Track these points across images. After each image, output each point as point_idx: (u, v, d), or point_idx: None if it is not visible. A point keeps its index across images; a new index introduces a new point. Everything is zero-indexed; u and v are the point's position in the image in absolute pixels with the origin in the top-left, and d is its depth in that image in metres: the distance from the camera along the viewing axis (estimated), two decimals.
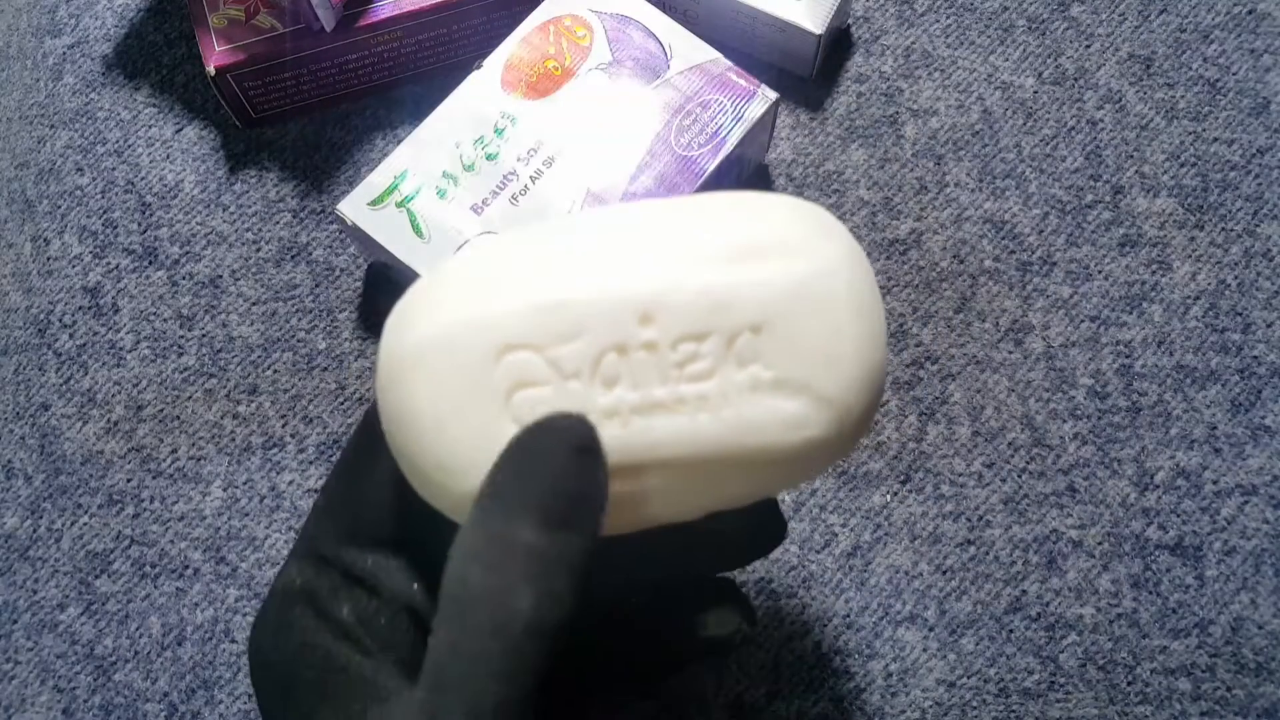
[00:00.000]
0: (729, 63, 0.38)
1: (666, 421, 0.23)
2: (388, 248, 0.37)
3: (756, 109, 0.38)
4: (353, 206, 0.37)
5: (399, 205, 0.37)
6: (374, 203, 0.37)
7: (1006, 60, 0.43)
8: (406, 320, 0.23)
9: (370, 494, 0.26)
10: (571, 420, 0.22)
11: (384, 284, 0.41)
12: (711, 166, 0.37)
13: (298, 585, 0.25)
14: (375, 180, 0.37)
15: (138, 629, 0.38)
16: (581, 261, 0.23)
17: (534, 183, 0.37)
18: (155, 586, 0.39)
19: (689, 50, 0.39)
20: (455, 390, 0.23)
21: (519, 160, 0.37)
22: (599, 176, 0.37)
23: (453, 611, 0.20)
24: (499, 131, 0.38)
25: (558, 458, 0.21)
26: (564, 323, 0.23)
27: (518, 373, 0.23)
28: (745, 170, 0.41)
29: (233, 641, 0.38)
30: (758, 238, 0.23)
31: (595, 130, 0.38)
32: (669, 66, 0.38)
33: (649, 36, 0.39)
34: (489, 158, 0.37)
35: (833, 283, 0.23)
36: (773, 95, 0.38)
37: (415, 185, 0.37)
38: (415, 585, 0.25)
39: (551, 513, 0.21)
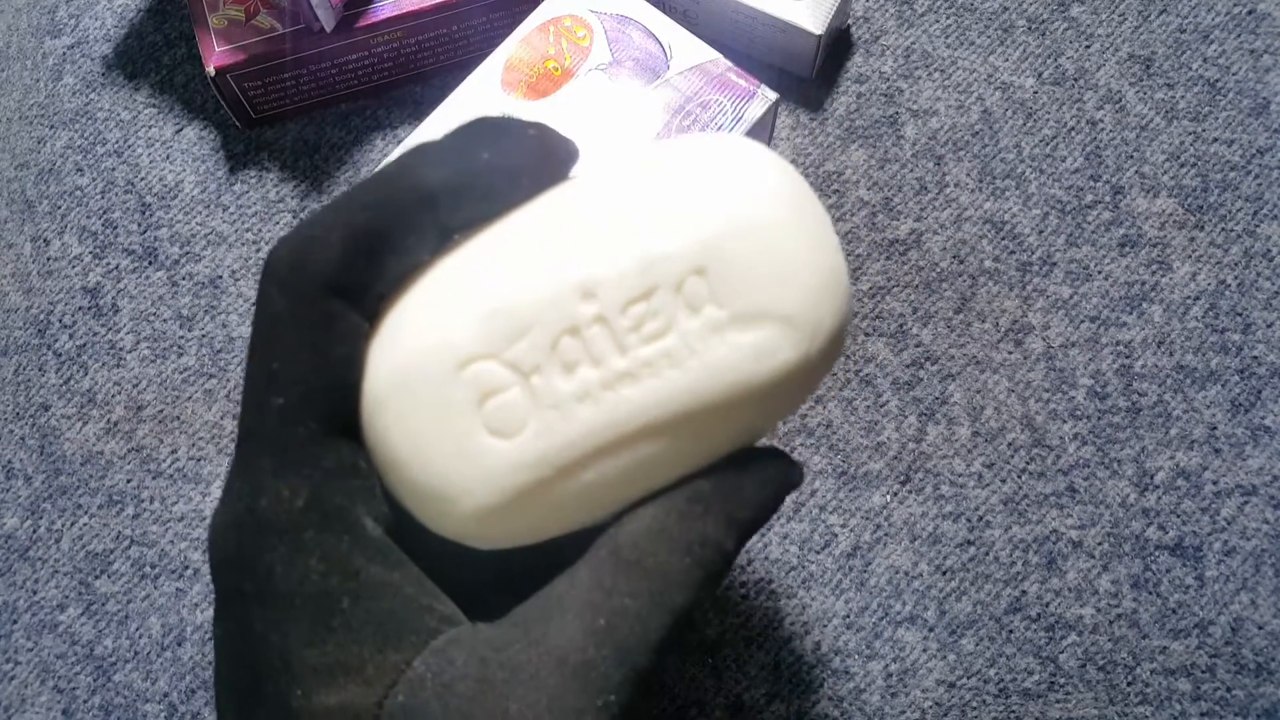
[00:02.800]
0: (729, 63, 0.38)
1: (637, 390, 0.22)
2: None
3: (756, 109, 0.38)
4: None
5: None
6: None
7: (1006, 60, 0.43)
8: (371, 360, 0.23)
9: (341, 362, 0.23)
10: (793, 469, 0.24)
11: None
12: None
13: (299, 506, 0.22)
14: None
15: (138, 629, 0.38)
16: (513, 260, 0.23)
17: None
18: (155, 587, 0.39)
19: (689, 50, 0.39)
20: (427, 418, 0.23)
21: None
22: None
23: (637, 583, 0.22)
24: None
25: (771, 490, 0.24)
26: (509, 322, 0.22)
27: (481, 383, 0.22)
28: None
29: None
30: (680, 184, 0.23)
31: (594, 131, 0.38)
32: (669, 67, 0.38)
33: (649, 37, 0.39)
34: None
35: (764, 203, 0.23)
36: (772, 95, 0.38)
37: None
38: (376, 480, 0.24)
39: (747, 533, 0.23)
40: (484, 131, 0.24)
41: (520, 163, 0.24)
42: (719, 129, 0.37)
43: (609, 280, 0.22)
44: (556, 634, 0.22)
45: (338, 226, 0.23)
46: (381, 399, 0.23)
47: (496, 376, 0.22)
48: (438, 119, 0.38)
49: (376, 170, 0.24)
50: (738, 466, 0.23)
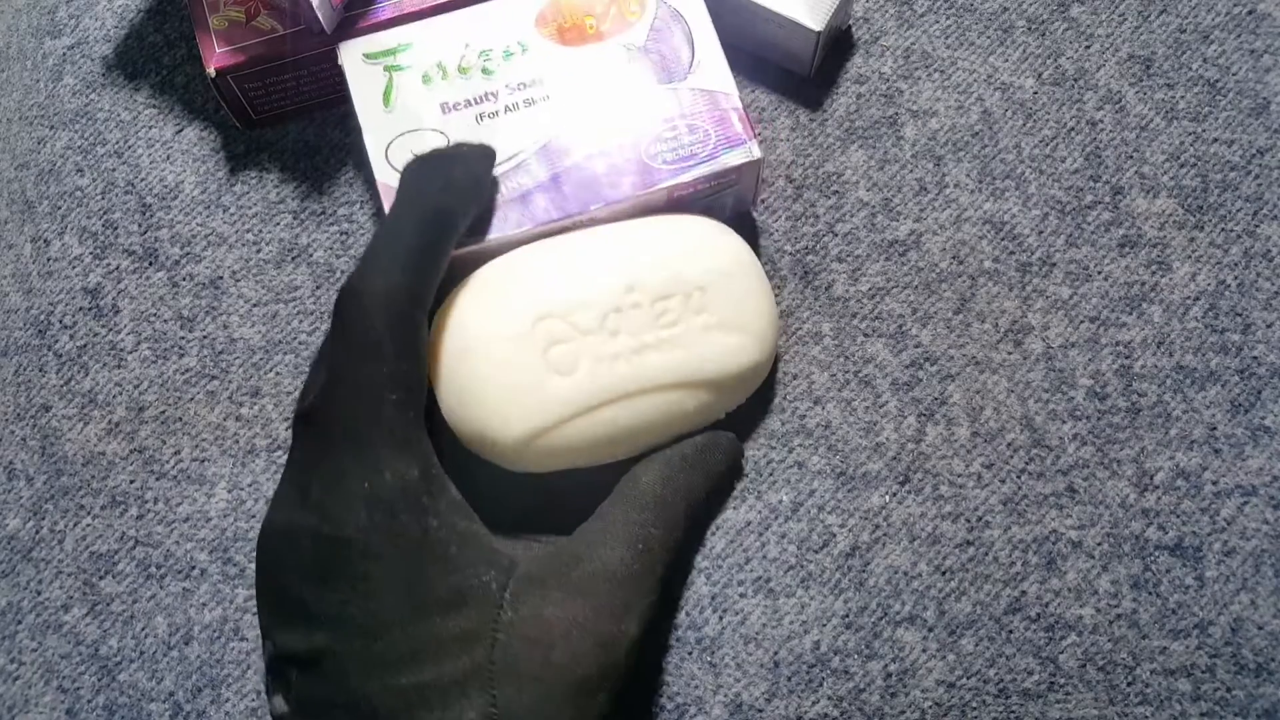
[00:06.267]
0: (739, 105, 0.38)
1: (655, 357, 0.34)
2: (354, 98, 0.38)
3: (734, 158, 0.37)
4: (351, 51, 0.39)
5: (387, 69, 0.39)
6: (370, 56, 0.39)
7: (1006, 61, 0.43)
8: (453, 324, 0.33)
9: (425, 359, 0.31)
10: (738, 445, 0.38)
11: None
12: (664, 184, 0.37)
13: (415, 477, 0.30)
14: (383, 38, 0.39)
15: (143, 629, 0.38)
16: (580, 262, 0.35)
17: (505, 113, 0.38)
18: (161, 587, 0.39)
19: (711, 73, 0.38)
20: (508, 353, 0.33)
21: (506, 87, 0.38)
22: (562, 137, 0.37)
23: (659, 518, 0.33)
24: (507, 54, 0.39)
25: (730, 458, 0.37)
26: (577, 294, 0.33)
27: (550, 334, 0.33)
28: (724, 215, 0.40)
29: (243, 640, 0.38)
30: (688, 241, 0.36)
31: (587, 97, 0.38)
32: (686, 79, 0.38)
33: (687, 43, 0.39)
34: (484, 71, 0.38)
35: (740, 262, 0.36)
36: (757, 153, 0.37)
37: (410, 60, 0.39)
38: None
39: (715, 487, 0.37)
40: (461, 157, 0.35)
41: (487, 174, 0.35)
42: (691, 156, 0.37)
43: (647, 285, 0.34)
44: (608, 555, 0.31)
45: (401, 254, 0.31)
46: (470, 346, 0.33)
47: (562, 331, 0.33)
48: (467, 15, 0.39)
49: (401, 192, 0.33)
50: (708, 440, 0.36)
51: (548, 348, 0.33)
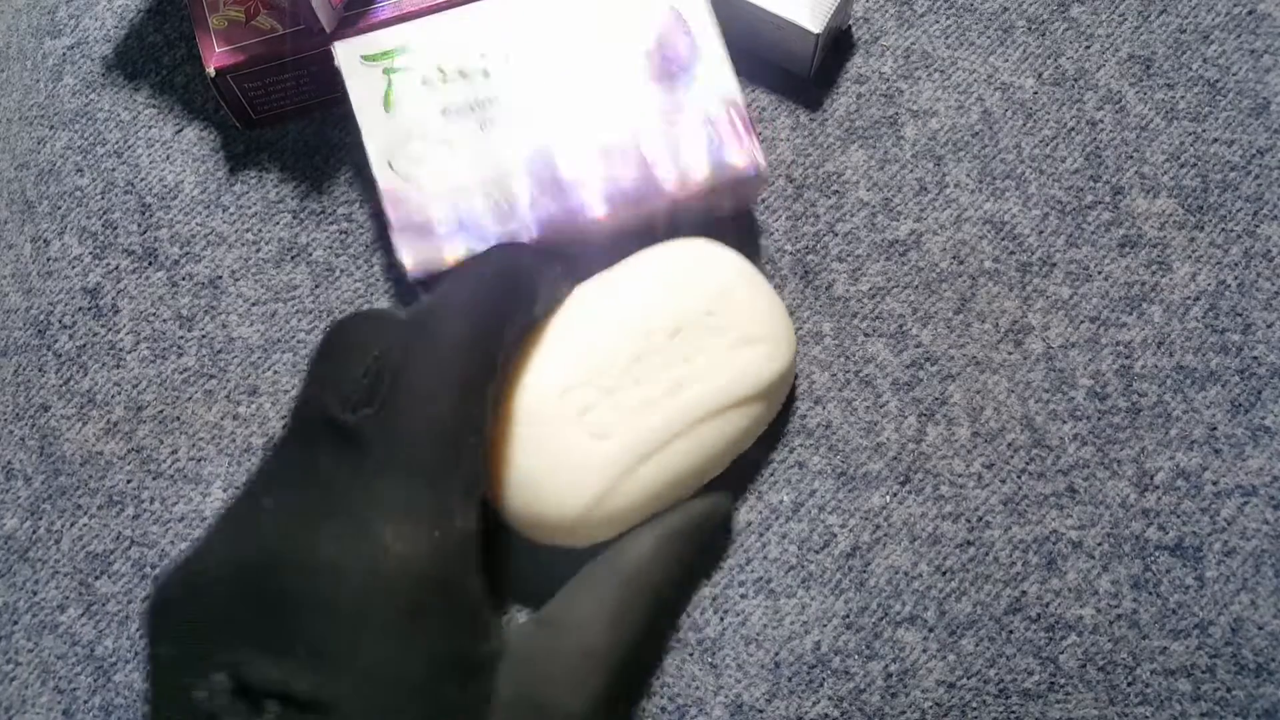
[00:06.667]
0: (744, 112, 0.37)
1: (689, 391, 0.34)
2: (354, 102, 0.37)
3: (738, 168, 0.37)
4: (348, 51, 0.38)
5: (385, 72, 0.37)
6: (368, 57, 0.38)
7: (1006, 61, 0.43)
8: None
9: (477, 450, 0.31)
10: (728, 504, 0.37)
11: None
12: (668, 193, 0.37)
13: (477, 529, 0.29)
14: (381, 38, 0.38)
15: (138, 630, 0.38)
16: (588, 322, 0.35)
17: (507, 119, 0.37)
18: None
19: (717, 78, 0.38)
20: (547, 432, 0.33)
21: (507, 91, 0.37)
22: (563, 143, 0.37)
23: (640, 597, 0.33)
24: (506, 56, 0.38)
25: (717, 522, 0.36)
26: (595, 357, 0.34)
27: (580, 402, 0.33)
28: (724, 214, 0.39)
29: None
30: (685, 268, 0.36)
31: (588, 102, 0.37)
32: (690, 84, 0.38)
33: (691, 47, 0.38)
34: (484, 74, 0.38)
35: (742, 273, 0.36)
36: (763, 163, 0.37)
37: (409, 63, 0.38)
38: None
39: (703, 549, 0.37)
40: (537, 253, 0.35)
41: (560, 274, 0.35)
42: (691, 166, 0.37)
43: (658, 325, 0.34)
44: (588, 634, 0.31)
45: (492, 302, 0.32)
46: (505, 434, 0.33)
47: (590, 396, 0.33)
48: (471, 11, 0.38)
49: (481, 271, 0.34)
50: (703, 511, 0.35)
51: (581, 415, 0.33)
